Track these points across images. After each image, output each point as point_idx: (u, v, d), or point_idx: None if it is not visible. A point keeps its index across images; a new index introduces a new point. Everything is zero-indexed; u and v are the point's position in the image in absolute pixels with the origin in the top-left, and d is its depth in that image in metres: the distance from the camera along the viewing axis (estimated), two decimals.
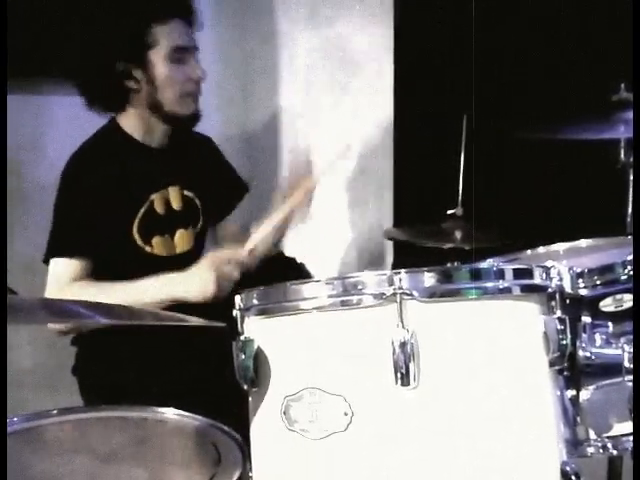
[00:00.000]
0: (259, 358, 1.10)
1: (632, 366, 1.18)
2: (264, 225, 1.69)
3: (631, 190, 1.99)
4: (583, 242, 1.63)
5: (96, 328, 1.75)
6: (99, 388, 1.77)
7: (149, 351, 1.69)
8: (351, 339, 1.04)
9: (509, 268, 1.09)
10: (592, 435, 1.21)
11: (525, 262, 1.53)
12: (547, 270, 1.13)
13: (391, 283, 1.02)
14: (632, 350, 1.18)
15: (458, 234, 2.21)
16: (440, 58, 2.65)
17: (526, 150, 2.43)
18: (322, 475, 1.05)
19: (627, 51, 1.49)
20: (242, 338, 1.12)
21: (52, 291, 1.64)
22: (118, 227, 1.71)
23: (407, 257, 2.68)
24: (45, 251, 1.69)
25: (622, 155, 1.96)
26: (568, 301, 1.16)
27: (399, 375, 1.00)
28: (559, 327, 1.09)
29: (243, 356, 1.10)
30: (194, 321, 1.06)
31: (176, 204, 1.83)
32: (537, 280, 1.11)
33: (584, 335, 1.21)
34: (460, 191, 2.29)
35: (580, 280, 1.20)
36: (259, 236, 1.68)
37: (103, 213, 1.68)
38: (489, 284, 1.06)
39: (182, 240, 1.84)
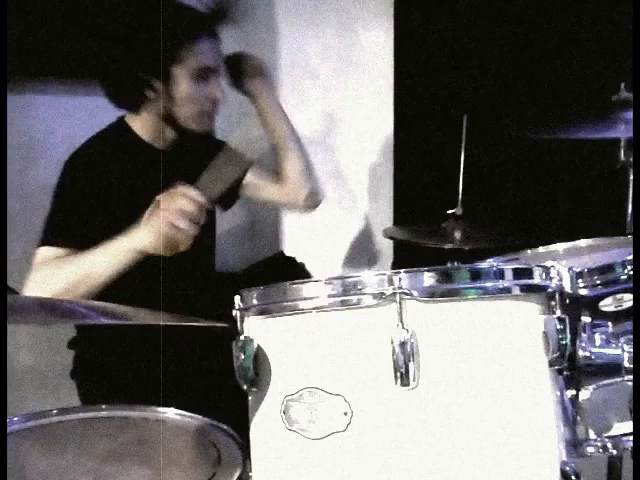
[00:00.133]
0: (259, 358, 1.10)
1: (632, 366, 1.18)
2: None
3: (631, 190, 1.99)
4: (583, 242, 1.63)
5: (97, 330, 1.76)
6: (98, 391, 1.77)
7: (149, 351, 1.69)
8: (351, 339, 1.04)
9: (509, 268, 1.09)
10: (592, 435, 1.21)
11: (525, 262, 1.53)
12: (547, 270, 1.13)
13: (391, 283, 1.02)
14: (632, 350, 1.18)
15: (458, 234, 2.22)
16: (440, 58, 2.65)
17: (526, 150, 2.43)
18: (322, 475, 1.05)
19: (627, 51, 1.49)
20: (242, 338, 1.12)
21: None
22: (118, 226, 1.71)
23: (407, 257, 2.69)
24: (39, 238, 1.67)
25: (622, 155, 1.96)
26: (568, 301, 1.16)
27: (399, 375, 1.00)
28: (559, 327, 1.08)
29: (243, 356, 1.10)
30: (194, 321, 1.07)
31: None
32: (537, 280, 1.11)
33: (584, 335, 1.21)
34: (460, 191, 2.29)
35: (580, 280, 1.20)
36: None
37: (102, 209, 1.66)
38: (489, 284, 1.06)
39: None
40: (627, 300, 1.23)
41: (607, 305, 1.24)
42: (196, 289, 1.84)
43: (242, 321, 1.14)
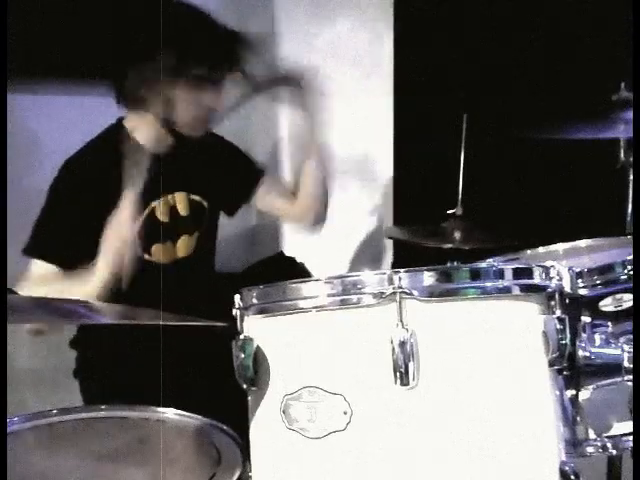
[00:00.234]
0: (258, 357, 1.10)
1: (632, 366, 1.18)
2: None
3: (631, 190, 1.99)
4: (583, 242, 1.63)
5: (97, 330, 1.75)
6: (100, 389, 1.77)
7: (149, 351, 1.69)
8: (351, 338, 1.04)
9: (509, 268, 1.09)
10: (592, 435, 1.21)
11: (525, 262, 1.53)
12: (547, 270, 1.13)
13: (391, 282, 1.02)
14: (632, 350, 1.18)
15: (458, 234, 2.22)
16: (440, 58, 2.65)
17: (526, 150, 2.43)
18: (321, 474, 1.05)
19: (627, 51, 1.49)
20: (241, 337, 1.12)
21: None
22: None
23: (407, 257, 2.69)
24: (25, 245, 1.67)
25: (622, 155, 1.96)
26: (568, 301, 1.16)
27: (398, 374, 1.00)
28: (559, 327, 1.08)
29: (242, 355, 1.10)
30: (194, 321, 1.07)
31: (183, 210, 1.81)
32: (537, 280, 1.11)
33: (584, 335, 1.21)
34: (460, 191, 2.29)
35: (580, 280, 1.20)
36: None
37: (95, 219, 1.61)
38: (489, 284, 1.06)
39: (184, 245, 1.82)
40: (627, 300, 1.23)
41: (607, 305, 1.24)
42: (196, 290, 1.84)
43: (242, 320, 1.14)
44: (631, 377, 1.18)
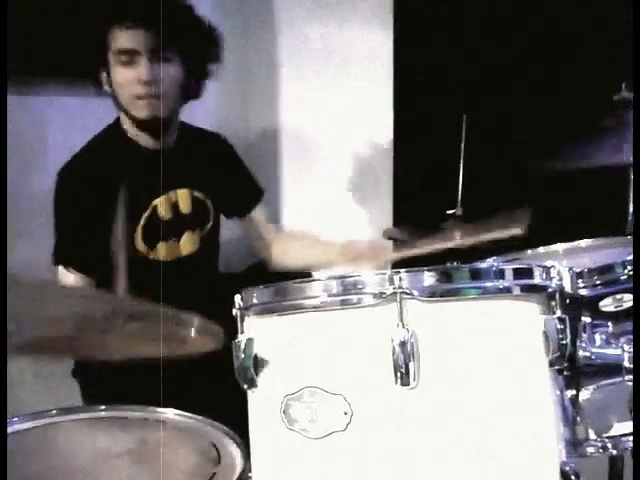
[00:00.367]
0: (259, 357, 1.10)
1: (632, 366, 1.18)
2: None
3: (631, 190, 1.99)
4: (583, 242, 1.64)
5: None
6: (100, 389, 1.77)
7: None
8: (351, 338, 1.04)
9: (509, 268, 1.09)
10: (592, 435, 1.21)
11: (525, 262, 1.53)
12: (547, 270, 1.13)
13: (391, 282, 1.02)
14: (632, 350, 1.18)
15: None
16: (440, 58, 2.65)
17: (526, 150, 2.43)
18: (322, 474, 1.05)
19: (628, 51, 1.49)
20: (242, 337, 1.12)
21: None
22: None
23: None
24: (52, 257, 1.71)
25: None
26: (568, 301, 1.16)
27: (399, 374, 1.00)
28: (559, 327, 1.08)
29: (243, 355, 1.10)
30: (195, 321, 1.06)
31: (185, 207, 1.81)
32: (537, 280, 1.11)
33: (584, 335, 1.21)
34: (460, 191, 2.29)
35: (580, 280, 1.20)
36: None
37: (102, 224, 1.61)
38: (489, 284, 1.06)
39: (188, 242, 1.82)
40: (627, 300, 1.23)
41: (607, 305, 1.24)
42: (198, 288, 1.84)
43: (242, 320, 1.14)
44: (631, 377, 1.18)
